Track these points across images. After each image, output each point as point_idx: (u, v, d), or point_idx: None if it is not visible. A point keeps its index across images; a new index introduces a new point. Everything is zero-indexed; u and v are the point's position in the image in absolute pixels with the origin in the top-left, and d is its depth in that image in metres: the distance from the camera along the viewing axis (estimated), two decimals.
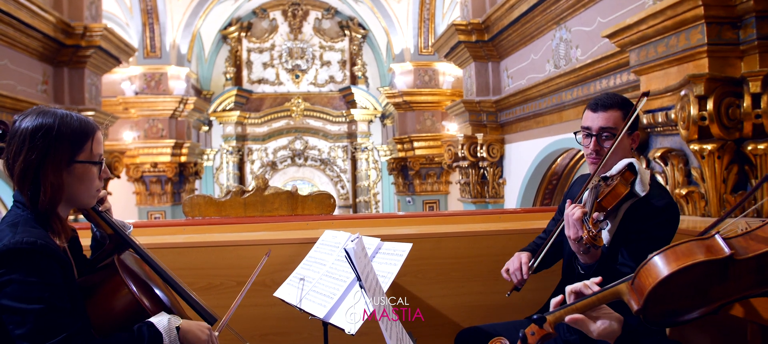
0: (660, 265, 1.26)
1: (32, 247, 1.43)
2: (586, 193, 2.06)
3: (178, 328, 1.58)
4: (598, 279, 1.50)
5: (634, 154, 2.21)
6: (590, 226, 1.82)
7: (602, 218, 1.88)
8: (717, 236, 1.26)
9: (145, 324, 1.56)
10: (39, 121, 1.53)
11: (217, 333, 1.76)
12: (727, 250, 1.23)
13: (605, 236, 2.03)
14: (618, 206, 1.98)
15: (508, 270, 2.24)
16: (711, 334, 2.21)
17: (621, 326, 1.44)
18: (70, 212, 1.67)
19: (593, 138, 2.12)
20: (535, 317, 1.37)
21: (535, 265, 2.18)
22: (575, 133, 2.26)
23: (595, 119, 2.12)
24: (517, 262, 2.22)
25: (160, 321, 1.58)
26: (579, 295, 1.45)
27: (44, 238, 1.48)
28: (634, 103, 2.12)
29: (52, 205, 1.54)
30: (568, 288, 1.48)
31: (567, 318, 1.40)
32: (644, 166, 3.62)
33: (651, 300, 1.26)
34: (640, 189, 1.98)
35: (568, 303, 1.45)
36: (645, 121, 3.46)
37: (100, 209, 1.75)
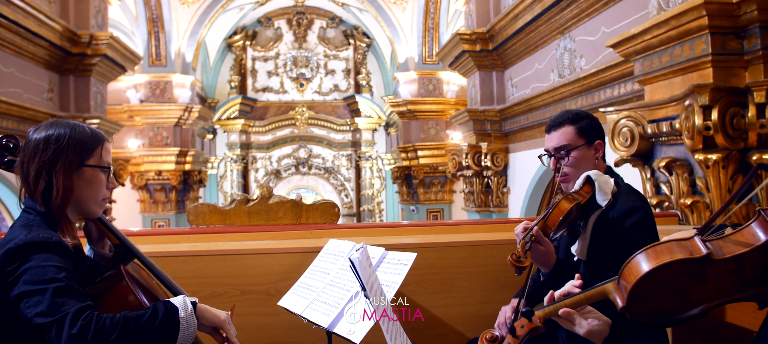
0: (641, 262, 1.31)
1: (47, 241, 1.52)
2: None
3: (194, 304, 1.62)
4: (578, 282, 1.56)
5: (602, 164, 2.18)
6: (518, 247, 1.84)
7: (529, 241, 1.85)
8: (696, 237, 1.30)
9: (160, 301, 1.59)
10: (52, 130, 1.64)
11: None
12: (703, 250, 1.27)
13: (576, 248, 2.04)
14: (565, 220, 1.95)
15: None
16: (715, 342, 2.20)
17: (609, 328, 1.51)
18: (77, 219, 1.72)
19: (552, 158, 2.20)
20: (523, 310, 1.44)
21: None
22: (540, 157, 2.28)
23: (549, 141, 2.20)
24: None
25: (175, 298, 1.61)
26: (567, 296, 1.52)
27: (57, 237, 1.56)
28: (591, 114, 2.19)
29: (63, 205, 1.62)
30: (557, 293, 1.54)
31: (561, 311, 1.47)
32: (649, 176, 3.62)
33: (634, 296, 1.31)
34: (601, 200, 1.99)
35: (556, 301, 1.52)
36: (650, 130, 3.45)
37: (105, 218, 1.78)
